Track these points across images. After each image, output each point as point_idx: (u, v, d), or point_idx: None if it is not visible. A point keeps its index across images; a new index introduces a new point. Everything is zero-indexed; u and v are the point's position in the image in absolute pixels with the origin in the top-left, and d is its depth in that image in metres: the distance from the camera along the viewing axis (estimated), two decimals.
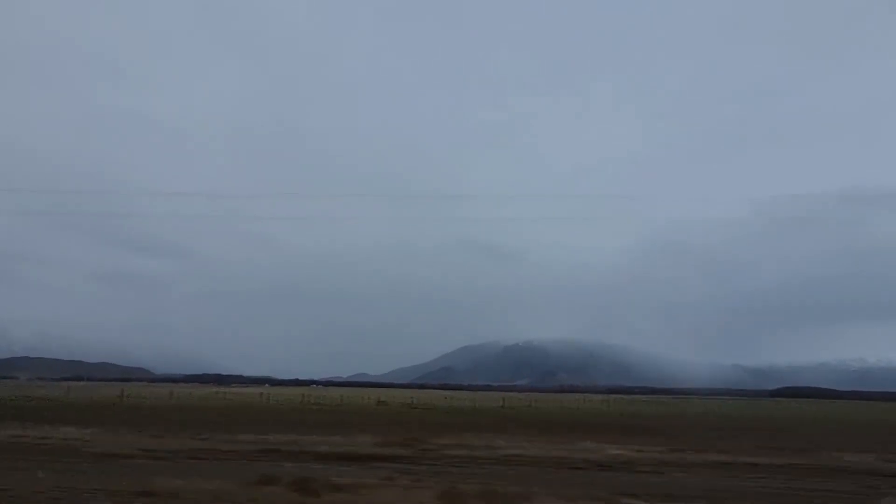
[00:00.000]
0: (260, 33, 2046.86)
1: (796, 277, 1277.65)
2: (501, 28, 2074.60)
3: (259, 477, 11.37)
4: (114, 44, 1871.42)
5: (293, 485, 10.70)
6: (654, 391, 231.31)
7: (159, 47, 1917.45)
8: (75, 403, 45.09)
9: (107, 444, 17.67)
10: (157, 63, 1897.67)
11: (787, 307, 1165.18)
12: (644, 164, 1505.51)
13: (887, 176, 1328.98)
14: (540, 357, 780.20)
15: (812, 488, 12.60)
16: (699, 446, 21.29)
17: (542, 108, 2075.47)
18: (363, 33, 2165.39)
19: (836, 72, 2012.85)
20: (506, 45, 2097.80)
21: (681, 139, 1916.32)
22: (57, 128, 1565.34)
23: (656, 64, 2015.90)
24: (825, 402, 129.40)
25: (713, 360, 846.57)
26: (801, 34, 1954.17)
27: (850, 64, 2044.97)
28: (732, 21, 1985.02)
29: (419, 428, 26.93)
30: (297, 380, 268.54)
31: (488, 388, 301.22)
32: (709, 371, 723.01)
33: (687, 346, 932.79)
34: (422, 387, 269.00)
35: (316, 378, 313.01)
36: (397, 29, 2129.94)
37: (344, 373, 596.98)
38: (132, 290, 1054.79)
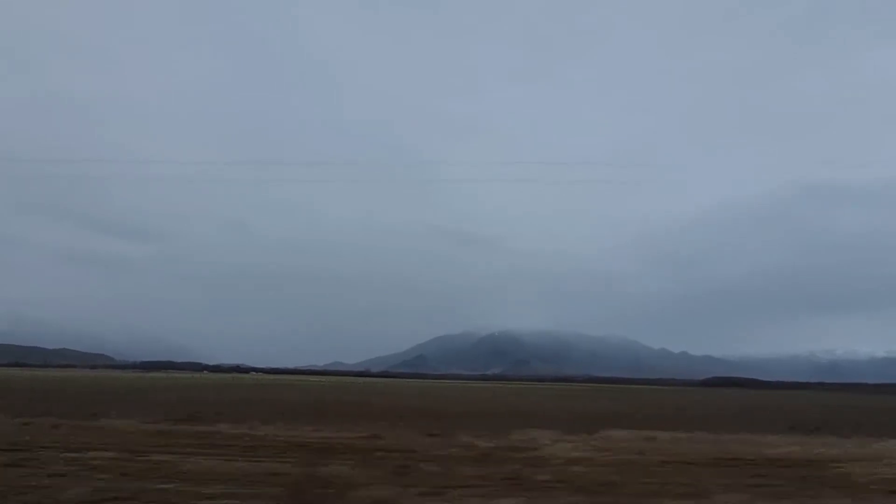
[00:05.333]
0: (233, 15, 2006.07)
1: (768, 271, 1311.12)
2: (478, 15, 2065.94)
3: None
4: (83, 24, 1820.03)
5: None
6: (612, 381, 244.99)
7: (133, 27, 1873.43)
8: None
9: None
10: (131, 44, 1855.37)
11: (759, 300, 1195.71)
12: (618, 155, 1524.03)
13: (852, 171, 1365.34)
14: (514, 346, 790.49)
15: None
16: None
17: (518, 97, 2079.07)
18: (340, 19, 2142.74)
19: (796, 68, 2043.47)
20: (482, 33, 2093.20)
21: (654, 133, 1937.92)
22: (22, 107, 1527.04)
23: (632, 55, 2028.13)
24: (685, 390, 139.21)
25: (685, 350, 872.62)
26: (766, 30, 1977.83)
27: (810, 61, 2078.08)
28: (700, 14, 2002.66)
29: None
30: (238, 366, 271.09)
31: (459, 376, 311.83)
32: (679, 361, 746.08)
33: (662, 337, 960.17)
34: (365, 375, 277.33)
35: (300, 367, 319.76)
36: (373, 15, 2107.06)
37: (319, 361, 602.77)
38: (100, 273, 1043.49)
